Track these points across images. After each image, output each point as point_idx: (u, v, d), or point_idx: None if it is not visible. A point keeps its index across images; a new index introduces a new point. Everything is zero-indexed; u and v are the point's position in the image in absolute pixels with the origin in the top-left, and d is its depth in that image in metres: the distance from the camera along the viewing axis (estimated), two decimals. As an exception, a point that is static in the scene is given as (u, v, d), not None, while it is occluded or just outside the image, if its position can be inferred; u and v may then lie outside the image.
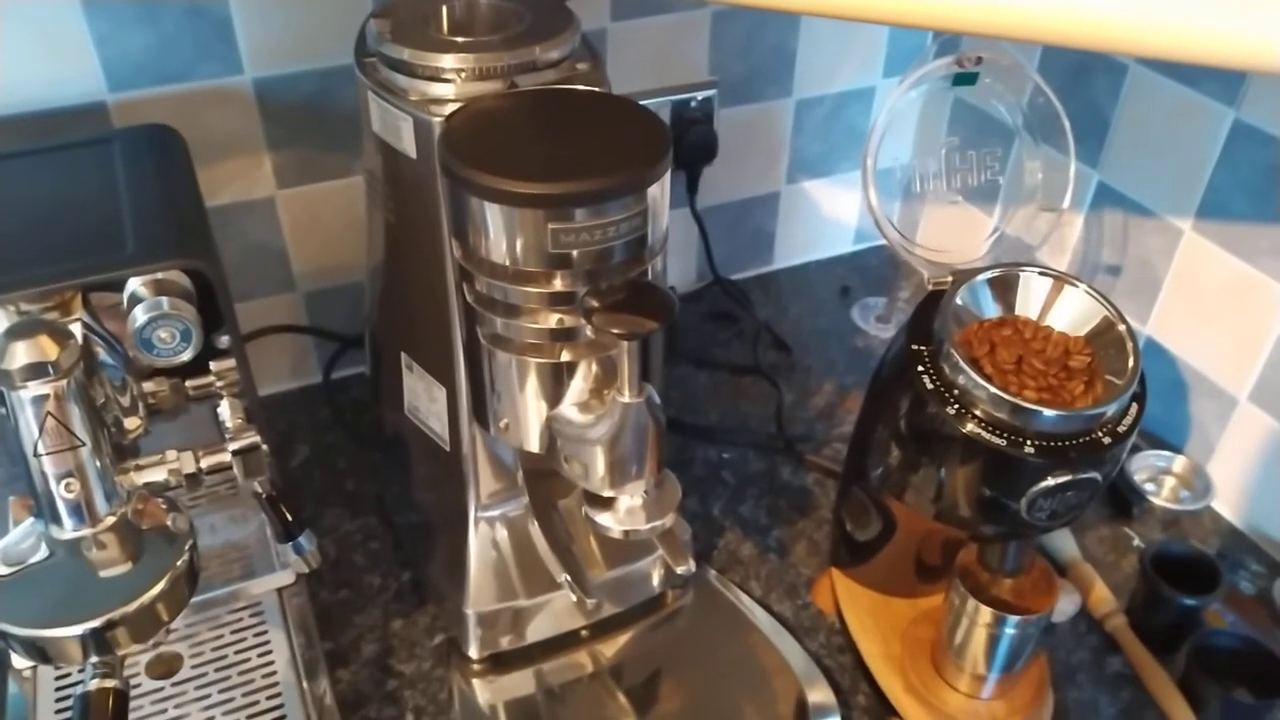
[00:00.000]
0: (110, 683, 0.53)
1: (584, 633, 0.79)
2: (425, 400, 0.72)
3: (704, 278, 1.16)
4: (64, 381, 0.53)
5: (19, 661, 0.71)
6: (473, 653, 0.76)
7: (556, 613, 0.77)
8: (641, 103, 0.61)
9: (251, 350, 0.94)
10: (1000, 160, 0.83)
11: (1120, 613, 0.81)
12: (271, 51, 0.84)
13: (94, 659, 0.54)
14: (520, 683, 0.76)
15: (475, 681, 0.76)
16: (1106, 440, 0.59)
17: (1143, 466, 0.94)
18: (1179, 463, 0.94)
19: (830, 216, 1.21)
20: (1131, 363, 0.61)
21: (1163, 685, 0.75)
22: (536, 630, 0.77)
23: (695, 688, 0.77)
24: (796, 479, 0.94)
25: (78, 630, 0.53)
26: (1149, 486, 0.93)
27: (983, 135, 0.85)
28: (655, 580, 0.81)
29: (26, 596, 0.54)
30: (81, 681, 0.54)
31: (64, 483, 0.54)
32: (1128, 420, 0.60)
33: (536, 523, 0.73)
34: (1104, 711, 0.75)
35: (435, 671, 0.77)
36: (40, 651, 0.53)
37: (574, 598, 0.71)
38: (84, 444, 0.54)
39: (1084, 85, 0.94)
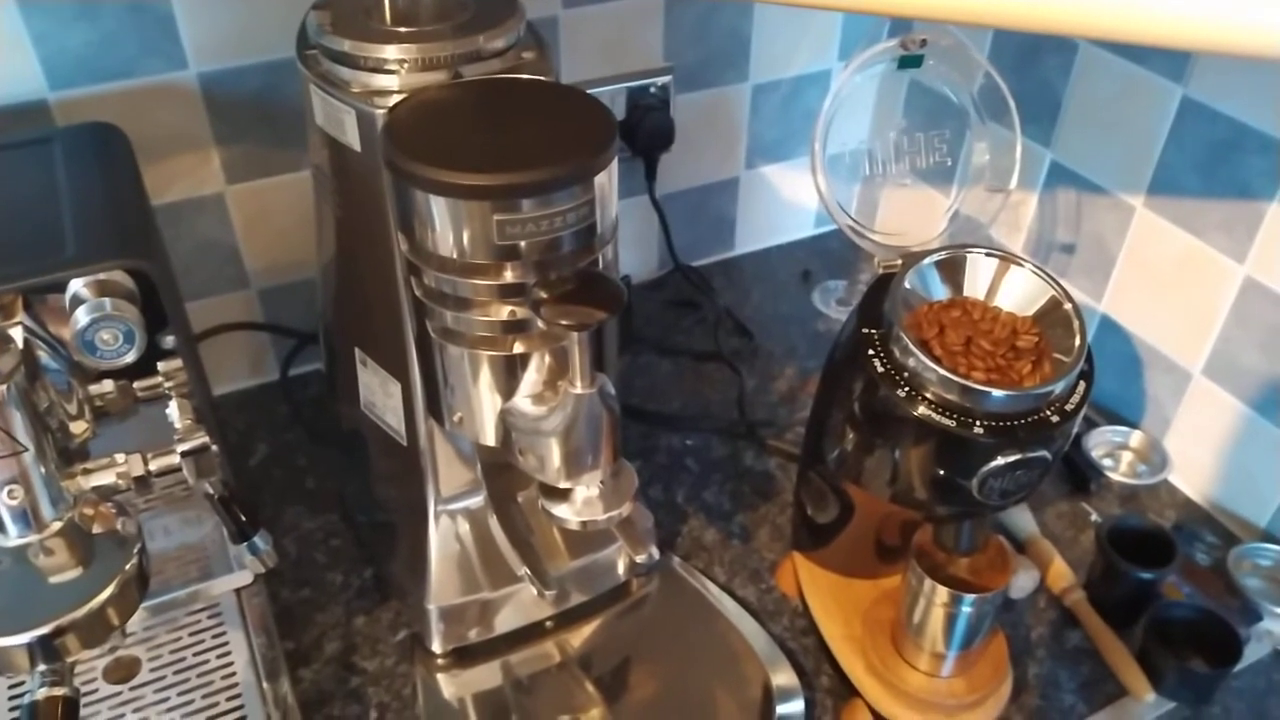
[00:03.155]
0: (59, 690, 0.52)
1: (549, 623, 0.79)
2: (381, 395, 0.72)
3: (665, 265, 1.16)
4: (4, 387, 0.52)
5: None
6: (436, 647, 0.76)
7: (521, 604, 0.77)
8: (597, 90, 0.61)
9: (207, 349, 0.93)
10: (949, 142, 0.83)
11: (1079, 587, 0.82)
12: (216, 46, 0.82)
13: (43, 667, 0.53)
14: (486, 675, 0.76)
15: (440, 676, 0.76)
16: (1055, 419, 0.60)
17: (1100, 442, 0.95)
18: (1135, 438, 0.95)
19: (790, 201, 1.21)
20: (1078, 341, 0.61)
21: (1121, 658, 0.77)
22: (501, 622, 0.77)
23: (661, 674, 0.77)
24: (759, 464, 0.95)
25: (24, 638, 0.52)
26: (1106, 462, 0.94)
27: (936, 117, 0.86)
28: (620, 569, 0.81)
29: (-30, 606, 0.53)
30: (31, 690, 0.53)
31: (7, 489, 0.54)
32: (1075, 398, 0.61)
33: (495, 516, 0.73)
34: (1064, 685, 0.76)
35: (399, 667, 0.76)
36: (-14, 661, 0.53)
37: (535, 591, 0.71)
38: (27, 449, 0.54)
39: (1035, 64, 0.95)
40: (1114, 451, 0.96)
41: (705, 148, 1.11)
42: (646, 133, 1.04)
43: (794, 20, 1.06)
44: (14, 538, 0.55)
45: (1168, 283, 0.90)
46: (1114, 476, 0.93)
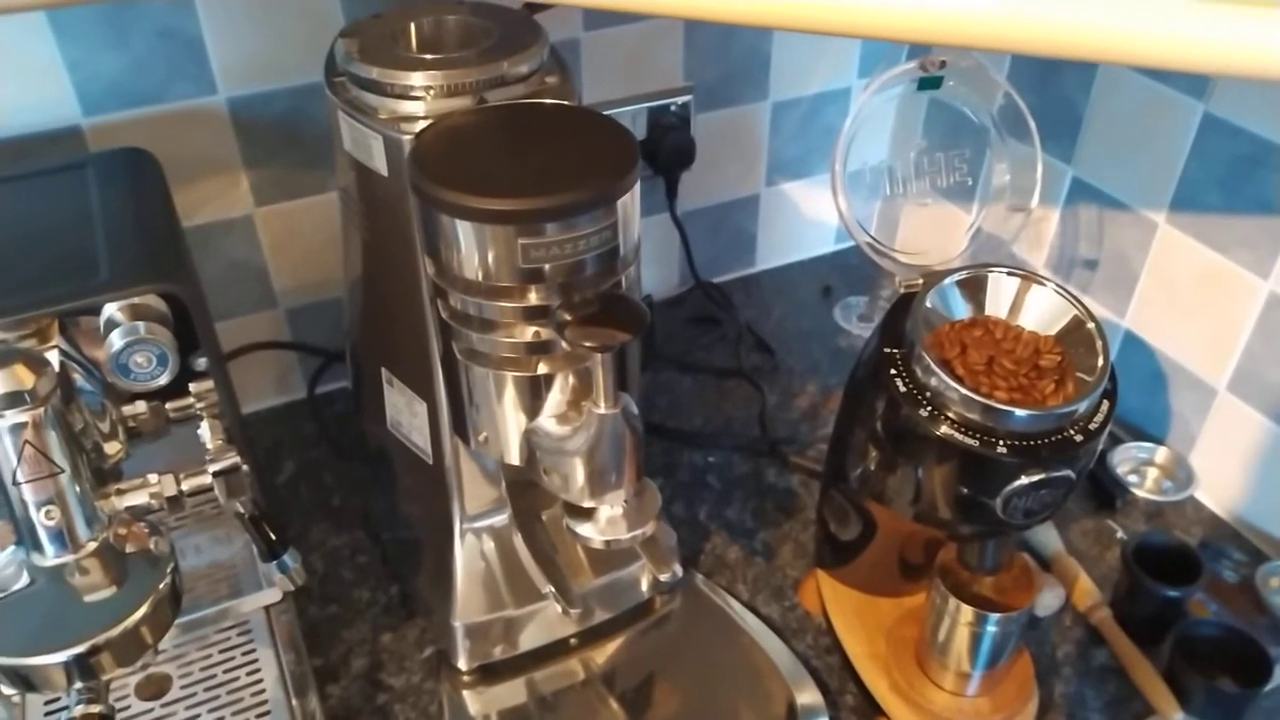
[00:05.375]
0: (95, 708, 0.53)
1: (573, 640, 0.79)
2: (407, 415, 0.73)
3: (686, 282, 1.17)
4: (41, 409, 0.53)
5: (6, 689, 0.71)
6: (462, 664, 0.76)
7: (545, 622, 0.77)
8: (618, 110, 0.62)
9: (236, 367, 0.95)
10: (969, 161, 0.83)
11: (1104, 605, 0.81)
12: (244, 71, 0.84)
13: (79, 685, 0.54)
14: (511, 692, 0.77)
15: (466, 693, 0.76)
16: (1078, 438, 0.60)
17: (1125, 459, 0.95)
18: (1161, 454, 0.95)
19: (810, 217, 1.21)
20: (1101, 360, 0.61)
21: (1148, 676, 0.76)
22: (526, 640, 0.77)
23: (685, 692, 0.77)
24: (781, 481, 0.95)
25: (61, 657, 0.53)
26: (1132, 478, 0.93)
27: (956, 137, 0.86)
28: (644, 586, 0.81)
29: (8, 625, 0.54)
30: (68, 707, 0.54)
31: (44, 510, 0.55)
32: (1099, 417, 0.61)
33: (520, 534, 0.73)
34: (1090, 704, 0.76)
35: (425, 684, 0.77)
36: (24, 680, 0.53)
37: (559, 608, 0.71)
38: (63, 471, 0.55)
39: (1055, 81, 0.95)
40: (1139, 468, 0.95)
41: (726, 165, 1.12)
42: (667, 151, 1.04)
43: (814, 39, 1.06)
44: (51, 557, 0.56)
45: (1191, 299, 0.89)
46: (1139, 493, 0.92)
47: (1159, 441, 0.96)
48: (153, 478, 0.60)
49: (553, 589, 0.71)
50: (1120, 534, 0.89)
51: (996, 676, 0.71)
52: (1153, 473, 0.95)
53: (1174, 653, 0.75)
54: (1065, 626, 0.81)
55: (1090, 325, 0.63)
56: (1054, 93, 0.95)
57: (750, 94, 1.08)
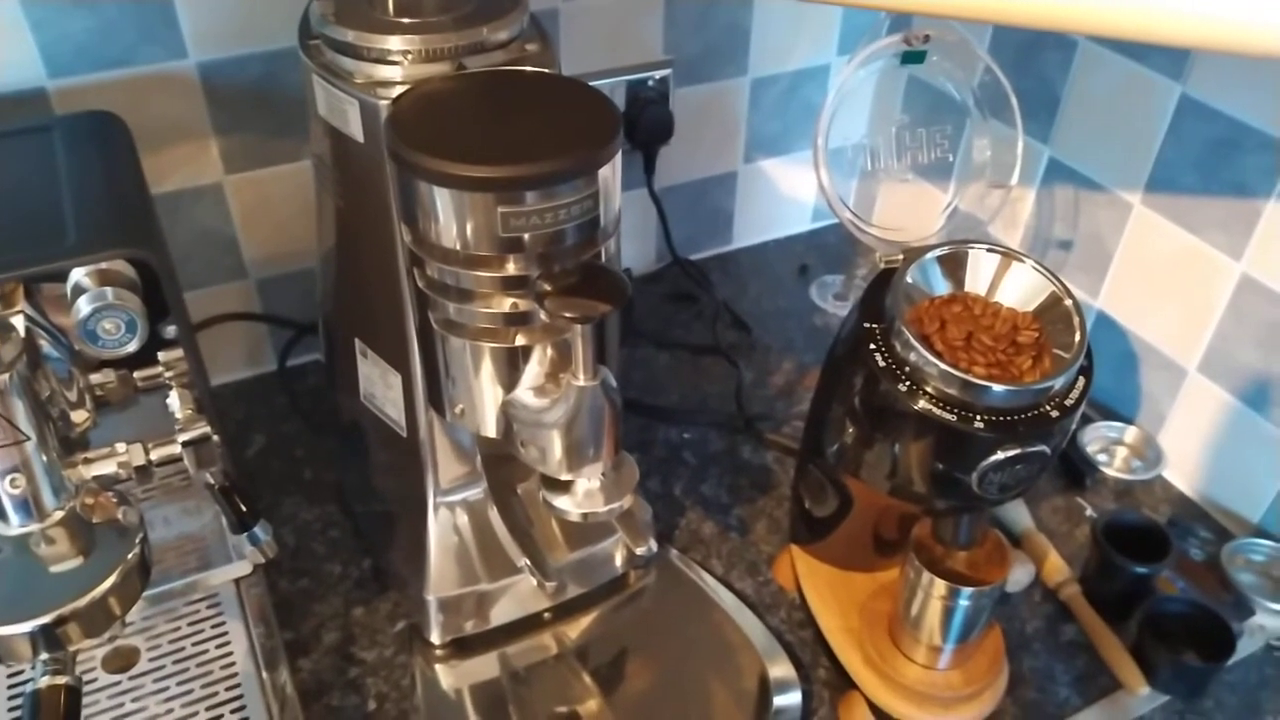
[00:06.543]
0: (61, 679, 0.52)
1: (547, 615, 0.79)
2: (381, 387, 0.72)
3: (663, 258, 1.16)
4: (6, 375, 0.52)
5: (-29, 660, 0.70)
6: (434, 638, 0.76)
7: (519, 596, 0.77)
8: (596, 83, 0.61)
9: (205, 339, 0.93)
10: (950, 138, 0.83)
11: (1074, 582, 0.82)
12: (216, 35, 0.82)
13: (44, 656, 0.53)
14: (484, 666, 0.76)
15: (438, 666, 0.76)
16: (1054, 414, 0.60)
17: (1095, 438, 0.96)
18: (1130, 433, 0.96)
19: (788, 195, 1.21)
20: (1078, 337, 0.62)
21: (1115, 651, 0.77)
22: (499, 614, 0.77)
23: (659, 666, 0.77)
24: (757, 457, 0.95)
25: (27, 628, 0.52)
26: (1101, 457, 0.94)
27: (935, 113, 0.86)
28: (618, 561, 0.81)
29: (-28, 595, 0.53)
30: (34, 679, 0.53)
31: (9, 478, 0.54)
32: (1075, 393, 0.61)
33: (496, 508, 0.73)
34: (1059, 679, 0.77)
35: (398, 658, 0.76)
36: (-12, 650, 0.53)
37: (535, 582, 0.71)
38: (29, 438, 0.54)
39: (1035, 61, 0.95)
40: (1109, 447, 0.96)
41: (704, 141, 1.11)
42: (645, 126, 1.04)
43: (794, 14, 1.06)
44: (16, 527, 0.55)
45: (1164, 280, 0.90)
46: (1109, 472, 0.93)
47: (1129, 421, 0.97)
48: (121, 447, 0.59)
49: (528, 563, 0.71)
50: (1089, 512, 0.90)
51: (968, 651, 0.72)
52: (1122, 452, 0.96)
53: (1141, 628, 0.76)
54: (1035, 602, 0.82)
55: (1068, 302, 0.63)
56: (1032, 72, 0.95)
57: (729, 69, 1.07)
